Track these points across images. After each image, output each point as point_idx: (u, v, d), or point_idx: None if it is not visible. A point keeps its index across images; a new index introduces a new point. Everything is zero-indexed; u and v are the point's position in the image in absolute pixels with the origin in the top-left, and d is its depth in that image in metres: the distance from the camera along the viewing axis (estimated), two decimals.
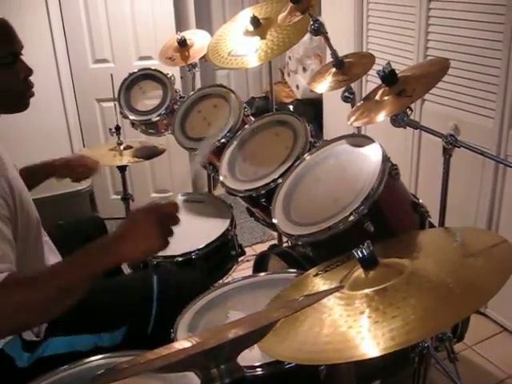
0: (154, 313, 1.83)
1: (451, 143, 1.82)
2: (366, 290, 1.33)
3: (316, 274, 1.63)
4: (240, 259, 2.60)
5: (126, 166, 3.08)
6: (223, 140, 2.49)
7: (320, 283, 1.58)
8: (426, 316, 1.17)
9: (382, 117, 1.81)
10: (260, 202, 2.18)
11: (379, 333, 1.15)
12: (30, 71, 1.75)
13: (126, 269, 2.54)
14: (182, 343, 1.00)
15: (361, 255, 1.39)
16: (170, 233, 1.40)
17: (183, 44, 3.10)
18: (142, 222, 1.39)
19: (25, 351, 1.70)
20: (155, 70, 3.23)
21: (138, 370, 0.94)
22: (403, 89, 1.82)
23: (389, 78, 1.86)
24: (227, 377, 0.95)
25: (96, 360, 1.42)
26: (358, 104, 2.04)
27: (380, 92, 1.90)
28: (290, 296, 1.58)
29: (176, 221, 1.42)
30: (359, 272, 1.43)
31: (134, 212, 1.55)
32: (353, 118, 1.95)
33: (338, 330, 1.23)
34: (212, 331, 1.07)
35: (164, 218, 1.41)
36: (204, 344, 0.93)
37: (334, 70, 2.33)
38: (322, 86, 2.32)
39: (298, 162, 2.08)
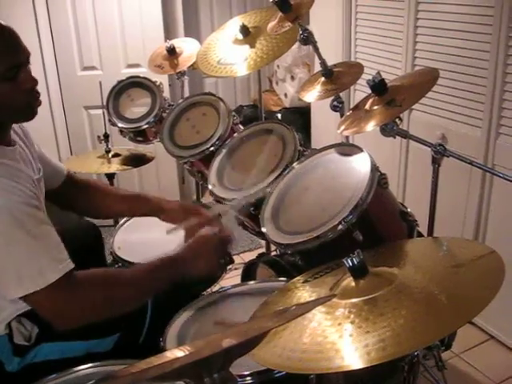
0: (147, 322, 1.82)
1: (440, 152, 1.83)
2: (357, 300, 1.33)
3: (305, 281, 1.63)
4: (228, 268, 2.58)
5: (114, 173, 3.07)
6: (212, 148, 2.49)
7: (308, 290, 1.57)
8: (417, 328, 1.17)
9: (371, 126, 1.82)
10: (249, 211, 2.17)
11: (370, 342, 1.16)
12: (35, 82, 1.68)
13: None
14: (174, 352, 1.00)
15: (351, 264, 1.39)
16: (227, 254, 1.87)
17: (172, 52, 3.10)
18: (205, 248, 1.78)
19: (15, 356, 1.68)
20: (144, 77, 3.22)
21: (130, 380, 0.93)
22: (393, 98, 1.83)
23: (379, 87, 1.87)
24: None
25: (85, 369, 1.41)
26: (348, 113, 2.05)
27: (369, 101, 1.91)
28: (277, 302, 1.57)
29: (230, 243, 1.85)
30: (348, 281, 1.43)
31: (199, 237, 1.83)
32: (342, 127, 1.96)
33: (328, 339, 1.23)
34: (205, 340, 1.07)
35: (221, 242, 1.83)
36: (198, 353, 0.93)
37: (322, 79, 2.34)
38: (311, 95, 2.33)
39: (286, 171, 2.08)
